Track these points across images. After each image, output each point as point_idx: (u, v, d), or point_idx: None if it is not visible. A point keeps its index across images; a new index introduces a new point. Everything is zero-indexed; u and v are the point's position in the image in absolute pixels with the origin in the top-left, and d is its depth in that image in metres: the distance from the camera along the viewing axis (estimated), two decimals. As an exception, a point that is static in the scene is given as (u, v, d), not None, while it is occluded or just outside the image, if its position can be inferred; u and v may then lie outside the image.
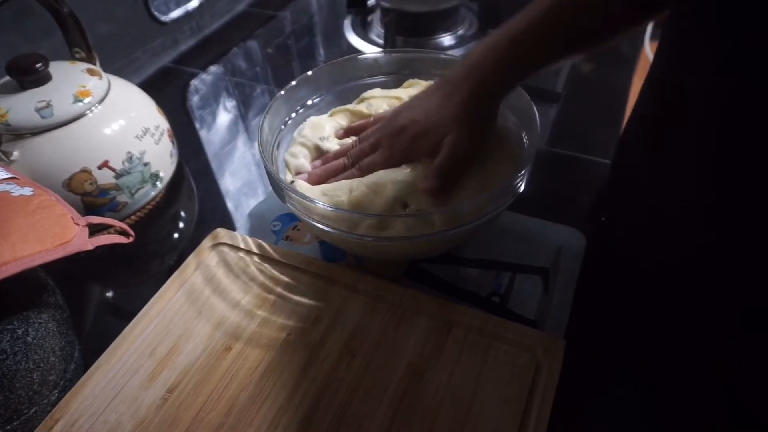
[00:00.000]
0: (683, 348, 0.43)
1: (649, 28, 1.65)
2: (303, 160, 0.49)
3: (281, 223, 0.52)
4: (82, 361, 0.41)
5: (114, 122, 0.50)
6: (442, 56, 0.54)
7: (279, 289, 0.44)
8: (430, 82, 0.53)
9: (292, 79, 0.51)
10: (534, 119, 0.44)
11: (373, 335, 0.40)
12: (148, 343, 0.41)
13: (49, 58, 0.49)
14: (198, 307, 0.43)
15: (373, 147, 0.46)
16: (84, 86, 0.49)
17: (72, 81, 0.49)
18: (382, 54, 0.55)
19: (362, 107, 0.52)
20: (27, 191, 0.37)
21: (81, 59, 0.54)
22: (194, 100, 0.75)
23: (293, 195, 0.41)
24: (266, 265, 0.46)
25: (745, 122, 0.32)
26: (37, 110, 0.46)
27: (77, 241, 0.35)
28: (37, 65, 0.47)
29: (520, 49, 0.42)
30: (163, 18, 0.78)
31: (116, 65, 0.72)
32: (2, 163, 0.45)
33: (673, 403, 0.46)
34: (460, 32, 0.82)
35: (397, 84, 0.55)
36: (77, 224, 0.37)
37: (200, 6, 0.84)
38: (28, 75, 0.47)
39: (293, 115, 0.52)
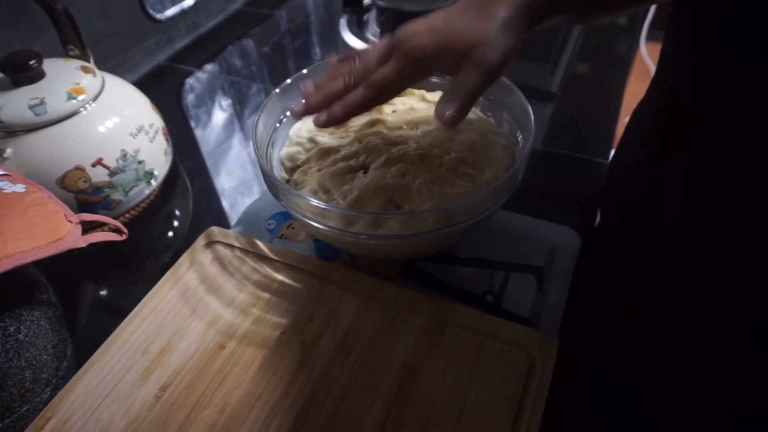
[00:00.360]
0: (676, 347, 0.44)
1: (645, 28, 1.65)
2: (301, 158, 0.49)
3: (276, 222, 0.52)
4: (75, 359, 0.41)
5: (108, 120, 0.50)
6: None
7: (273, 288, 0.44)
8: (423, 92, 0.53)
9: (288, 78, 0.51)
10: (528, 118, 0.45)
11: (367, 334, 0.40)
12: (141, 341, 0.40)
13: (43, 55, 0.48)
14: (192, 305, 0.43)
15: (380, 60, 0.38)
16: (78, 84, 0.49)
17: (66, 78, 0.49)
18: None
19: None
20: (20, 188, 0.37)
21: (75, 57, 0.54)
22: (189, 98, 0.75)
23: (288, 193, 0.41)
24: (260, 263, 0.46)
25: (740, 124, 0.32)
26: (31, 107, 0.46)
27: (70, 238, 0.35)
28: (30, 62, 0.47)
29: None
30: (159, 16, 0.78)
31: (111, 63, 0.72)
32: (-5, 161, 0.45)
33: (666, 402, 0.46)
34: (456, 32, 0.82)
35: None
36: (70, 221, 0.37)
37: (196, 4, 0.84)
38: (22, 72, 0.47)
39: (288, 113, 0.52)
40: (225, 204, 0.59)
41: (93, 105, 0.49)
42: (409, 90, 0.53)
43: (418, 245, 0.43)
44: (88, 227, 0.41)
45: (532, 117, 0.44)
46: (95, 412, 0.36)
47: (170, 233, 0.56)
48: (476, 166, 0.44)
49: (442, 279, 0.46)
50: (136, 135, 0.52)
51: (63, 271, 0.47)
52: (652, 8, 1.88)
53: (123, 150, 0.50)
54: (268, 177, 0.43)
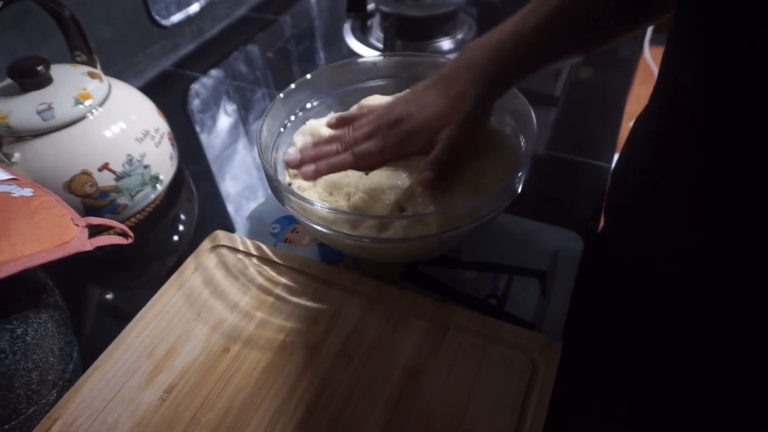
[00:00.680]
0: (678, 351, 0.44)
1: (649, 33, 1.65)
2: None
3: (280, 226, 0.52)
4: (81, 361, 0.41)
5: (114, 125, 0.50)
6: (441, 60, 0.54)
7: (277, 291, 0.44)
8: None
9: (292, 83, 0.51)
10: (531, 122, 0.45)
11: (370, 337, 0.41)
12: (146, 344, 0.41)
13: (50, 61, 0.49)
14: (197, 308, 0.43)
15: (366, 136, 0.47)
16: (85, 89, 0.50)
17: (73, 84, 0.50)
18: (381, 57, 0.55)
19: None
20: (27, 192, 0.38)
21: (82, 62, 0.54)
22: (195, 103, 0.75)
23: (292, 197, 0.41)
24: (265, 267, 0.47)
25: (741, 125, 0.33)
26: (39, 113, 0.47)
27: (77, 241, 0.36)
28: (38, 68, 0.47)
29: (518, 48, 0.42)
30: (164, 22, 0.78)
31: (117, 68, 0.72)
32: (3, 165, 0.45)
33: (667, 404, 0.46)
34: (459, 36, 0.83)
35: (396, 88, 0.55)
36: (77, 225, 0.37)
37: (201, 10, 0.84)
38: (30, 77, 0.48)
39: (292, 118, 0.52)
40: (230, 208, 0.59)
41: (100, 110, 0.50)
42: None
43: (422, 248, 0.43)
44: (94, 231, 0.41)
45: (535, 121, 0.44)
46: (101, 414, 0.37)
47: (175, 237, 0.57)
48: (479, 170, 0.44)
49: (445, 282, 0.46)
50: (142, 140, 0.52)
51: (69, 273, 0.47)
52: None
53: (129, 155, 0.51)
54: (272, 181, 0.43)
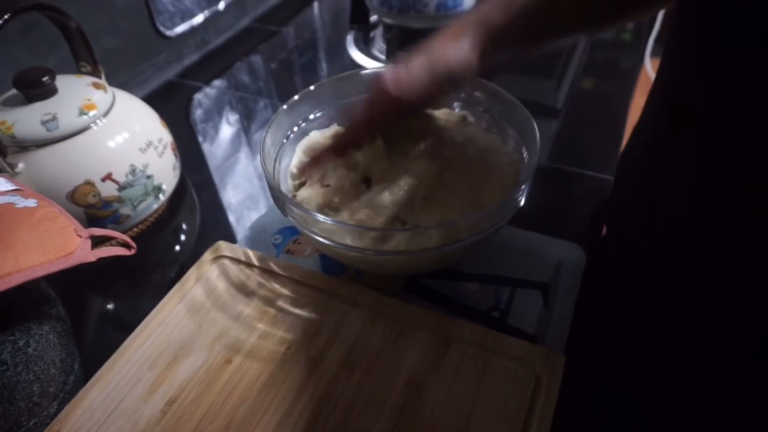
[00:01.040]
0: (683, 363, 0.43)
1: (650, 44, 1.66)
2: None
3: (282, 237, 0.52)
4: (82, 372, 0.41)
5: (118, 135, 0.51)
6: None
7: (279, 303, 0.44)
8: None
9: (295, 94, 0.51)
10: (534, 135, 0.45)
11: (372, 349, 0.41)
12: (148, 355, 0.41)
13: (55, 71, 0.49)
14: (198, 319, 0.43)
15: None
16: (89, 99, 0.50)
17: (77, 94, 0.50)
18: (384, 69, 0.55)
19: None
20: (31, 203, 0.38)
21: (87, 73, 0.54)
22: (198, 113, 0.76)
23: (294, 208, 0.41)
24: (267, 278, 0.46)
25: (739, 127, 0.33)
26: (43, 123, 0.47)
27: (80, 252, 0.36)
28: (43, 78, 0.48)
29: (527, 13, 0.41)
30: (168, 33, 0.79)
31: (121, 79, 0.73)
32: (7, 175, 0.45)
33: (670, 413, 0.46)
34: (461, 48, 0.83)
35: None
36: (80, 236, 0.37)
37: (205, 21, 0.85)
38: (35, 88, 0.48)
39: (295, 129, 0.52)
40: (232, 218, 0.60)
41: (104, 120, 0.50)
42: None
43: (424, 261, 0.43)
44: (97, 241, 0.41)
45: (538, 134, 0.45)
46: (102, 426, 0.37)
47: (177, 247, 0.57)
48: (479, 183, 0.44)
49: (447, 294, 0.46)
50: (146, 150, 0.52)
51: (71, 284, 0.47)
52: (658, 22, 1.89)
53: (132, 165, 0.51)
54: (275, 192, 0.43)
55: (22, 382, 0.34)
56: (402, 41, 0.80)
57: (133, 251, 0.41)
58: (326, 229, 0.41)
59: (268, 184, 0.43)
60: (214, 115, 0.75)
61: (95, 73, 0.55)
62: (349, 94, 0.55)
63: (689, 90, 0.36)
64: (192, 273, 0.47)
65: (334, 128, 0.54)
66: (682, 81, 0.37)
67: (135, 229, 0.54)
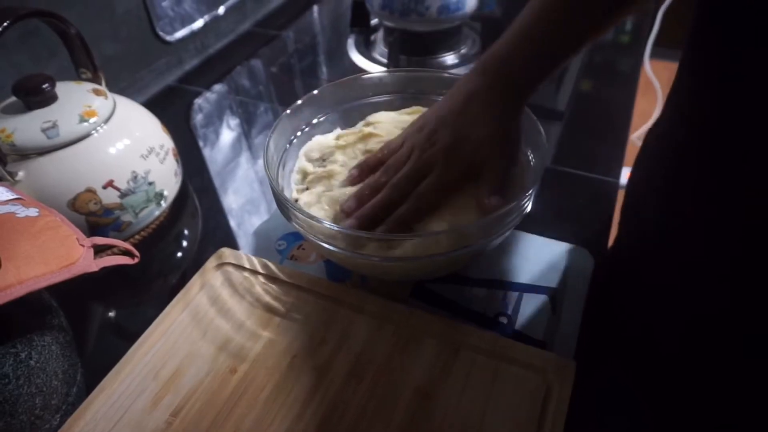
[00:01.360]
0: (686, 366, 0.43)
1: (649, 46, 1.66)
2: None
3: (286, 243, 0.52)
4: (85, 384, 0.40)
5: (119, 142, 0.50)
6: (447, 75, 0.54)
7: (284, 310, 0.44)
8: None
9: (295, 98, 0.51)
10: (541, 138, 0.44)
11: (380, 357, 0.40)
12: (151, 365, 0.40)
13: (55, 78, 0.49)
14: (202, 328, 0.43)
15: (420, 172, 0.43)
16: (90, 106, 0.49)
17: (78, 101, 0.49)
18: (387, 73, 0.55)
19: (369, 129, 0.52)
20: (32, 212, 0.37)
21: (87, 79, 0.54)
22: (198, 118, 0.75)
23: (299, 214, 0.41)
24: (271, 285, 0.46)
25: (751, 136, 0.32)
26: (43, 130, 0.47)
27: (82, 262, 0.35)
28: (43, 86, 0.47)
29: (536, 42, 0.42)
30: (168, 38, 0.79)
31: (121, 85, 0.72)
32: (7, 184, 0.45)
33: (678, 421, 0.45)
34: (463, 51, 0.83)
35: (401, 103, 0.55)
36: (82, 245, 0.36)
37: (205, 26, 0.84)
38: (35, 95, 0.47)
39: (298, 133, 0.52)
40: (234, 224, 0.59)
41: (104, 127, 0.50)
42: (418, 108, 0.54)
43: (431, 267, 0.43)
44: (99, 249, 0.41)
45: (545, 137, 0.44)
46: (105, 438, 0.36)
47: (180, 254, 0.56)
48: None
49: (454, 300, 0.46)
50: (147, 156, 0.52)
51: (73, 293, 0.46)
52: (656, 25, 1.89)
53: (134, 171, 0.50)
54: (279, 198, 0.42)
55: (24, 395, 0.33)
56: (403, 44, 0.80)
57: (136, 260, 0.40)
58: (331, 235, 0.40)
59: (272, 189, 0.43)
60: (215, 119, 0.75)
61: (95, 80, 0.54)
62: (352, 98, 0.55)
63: (704, 97, 0.36)
64: (195, 280, 0.46)
65: (337, 132, 0.53)
66: (702, 89, 0.37)
67: (137, 237, 0.54)
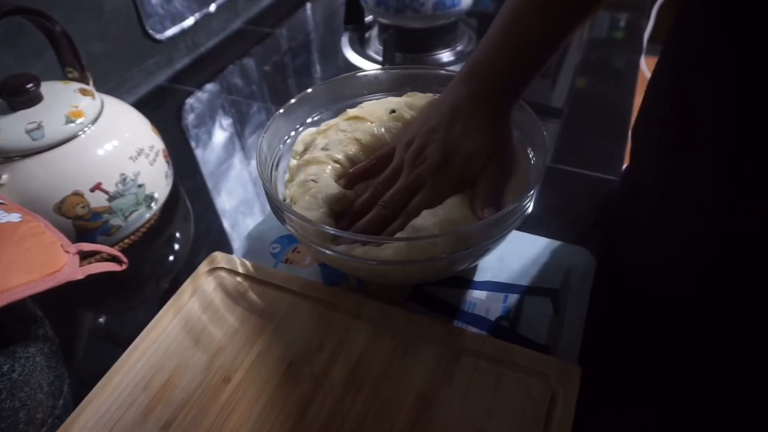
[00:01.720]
0: (699, 370, 0.42)
1: (644, 43, 1.66)
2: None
3: (280, 246, 0.50)
4: (72, 395, 0.39)
5: (107, 143, 0.48)
6: (443, 72, 0.53)
7: (279, 316, 0.42)
8: (429, 95, 0.52)
9: (289, 97, 0.50)
10: (541, 136, 0.43)
11: (379, 364, 0.39)
12: (141, 375, 0.39)
13: (40, 77, 0.47)
14: (194, 335, 0.41)
15: (410, 189, 0.42)
16: (76, 106, 0.48)
17: (64, 101, 0.48)
18: (382, 71, 0.54)
19: (354, 111, 0.50)
20: (15, 217, 0.36)
21: (74, 79, 0.52)
22: (189, 118, 0.74)
23: (293, 217, 0.39)
24: (265, 289, 0.45)
25: (753, 129, 0.32)
26: (28, 132, 0.45)
27: (67, 270, 0.34)
28: (28, 86, 0.46)
29: (516, 42, 0.41)
30: (158, 36, 0.77)
31: (110, 84, 0.71)
32: (-10, 188, 0.43)
33: (685, 425, 0.44)
34: (458, 48, 0.81)
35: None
36: (67, 252, 0.35)
37: (196, 24, 0.83)
38: (19, 96, 0.46)
39: (292, 133, 0.51)
40: (227, 226, 0.57)
41: (92, 128, 0.48)
42: (414, 93, 0.52)
43: (428, 270, 0.41)
44: (86, 254, 0.39)
45: (545, 134, 0.43)
46: (94, 453, 0.35)
47: (171, 258, 0.55)
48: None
49: (454, 304, 0.45)
50: (136, 158, 0.50)
51: (59, 300, 0.45)
52: (651, 21, 1.89)
53: (123, 174, 0.49)
54: (272, 199, 0.41)
55: (7, 410, 0.32)
56: (399, 42, 0.78)
57: (124, 266, 0.39)
58: (326, 238, 0.39)
59: (266, 192, 0.42)
60: (207, 119, 0.73)
61: (82, 79, 0.52)
62: (347, 96, 0.53)
63: (701, 88, 0.35)
64: (187, 286, 0.45)
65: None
66: (691, 79, 0.36)
67: (126, 241, 0.52)
